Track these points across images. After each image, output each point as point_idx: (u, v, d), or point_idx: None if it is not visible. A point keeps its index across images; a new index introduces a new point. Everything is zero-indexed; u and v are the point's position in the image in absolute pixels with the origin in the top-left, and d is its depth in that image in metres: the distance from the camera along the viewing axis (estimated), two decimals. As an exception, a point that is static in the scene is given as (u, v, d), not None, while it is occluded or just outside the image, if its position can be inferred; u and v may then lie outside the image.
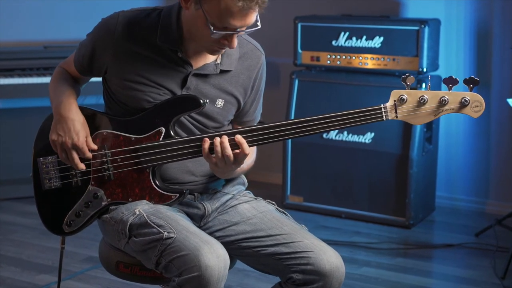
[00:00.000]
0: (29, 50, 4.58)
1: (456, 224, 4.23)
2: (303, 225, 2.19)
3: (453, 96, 2.04)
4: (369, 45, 4.13)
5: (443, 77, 4.35)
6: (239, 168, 2.10)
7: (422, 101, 2.03)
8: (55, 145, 2.16)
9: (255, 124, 2.26)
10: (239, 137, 2.04)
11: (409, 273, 3.55)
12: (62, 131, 2.14)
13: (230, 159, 2.04)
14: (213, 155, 2.05)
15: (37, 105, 4.45)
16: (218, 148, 2.03)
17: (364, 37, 4.14)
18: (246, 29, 2.03)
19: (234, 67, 2.18)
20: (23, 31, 4.72)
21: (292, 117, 4.33)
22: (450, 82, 2.04)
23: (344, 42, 4.20)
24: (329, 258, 2.04)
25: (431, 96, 2.04)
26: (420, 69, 4.00)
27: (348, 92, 4.17)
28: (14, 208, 4.41)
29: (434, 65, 4.11)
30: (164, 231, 2.01)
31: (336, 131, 4.22)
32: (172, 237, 1.99)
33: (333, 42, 4.22)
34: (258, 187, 4.82)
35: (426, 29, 3.97)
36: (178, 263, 1.96)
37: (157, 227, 2.03)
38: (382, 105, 2.04)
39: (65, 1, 4.77)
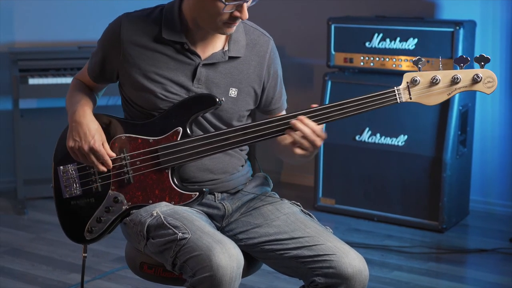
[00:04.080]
0: (63, 51, 4.62)
1: (490, 228, 4.16)
2: (328, 227, 2.17)
3: (465, 73, 2.04)
4: (403, 47, 4.09)
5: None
6: None
7: (435, 81, 2.03)
8: (74, 152, 2.17)
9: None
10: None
11: (442, 278, 3.50)
12: (78, 137, 2.15)
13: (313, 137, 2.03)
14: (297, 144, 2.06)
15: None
16: (301, 127, 2.03)
17: (398, 39, 4.10)
18: None
19: (243, 53, 2.19)
20: (57, 32, 4.77)
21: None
22: (461, 61, 2.04)
23: (378, 44, 4.16)
24: (351, 261, 2.02)
25: (443, 76, 2.04)
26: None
27: None
28: (47, 206, 4.45)
29: (469, 67, 4.05)
30: (179, 232, 2.00)
31: (369, 133, 4.20)
32: (186, 237, 1.99)
33: (367, 44, 4.19)
34: (290, 189, 4.81)
35: (461, 31, 3.92)
36: (192, 263, 1.96)
37: (172, 228, 2.02)
38: (395, 87, 2.05)
39: (100, 1, 4.81)
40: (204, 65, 2.16)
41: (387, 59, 4.14)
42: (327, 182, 4.37)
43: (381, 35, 4.15)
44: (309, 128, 2.03)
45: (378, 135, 4.19)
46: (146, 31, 2.16)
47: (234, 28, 2.11)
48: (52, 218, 4.25)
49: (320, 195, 4.38)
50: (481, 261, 3.73)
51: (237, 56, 2.19)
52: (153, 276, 2.19)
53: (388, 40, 4.13)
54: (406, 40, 4.08)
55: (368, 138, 4.22)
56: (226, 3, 2.01)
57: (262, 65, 2.23)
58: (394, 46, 4.11)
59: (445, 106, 3.99)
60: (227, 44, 2.18)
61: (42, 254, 3.75)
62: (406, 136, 4.12)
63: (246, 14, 2.06)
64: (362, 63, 4.22)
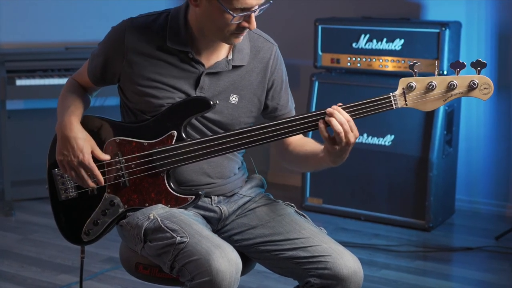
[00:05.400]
0: (50, 51, 4.62)
1: (476, 227, 4.21)
2: (322, 228, 2.19)
3: (461, 80, 2.03)
4: (390, 48, 4.13)
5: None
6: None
7: (431, 87, 2.03)
8: (62, 165, 2.17)
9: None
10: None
11: (429, 276, 3.54)
12: (66, 151, 2.15)
13: (349, 125, 2.01)
14: (332, 137, 2.02)
15: (58, 106, 4.49)
16: (335, 121, 2.01)
17: (385, 40, 4.13)
18: (260, 6, 2.04)
19: (246, 61, 2.19)
20: (44, 33, 4.76)
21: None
22: (457, 66, 2.03)
23: (365, 45, 4.19)
24: (346, 262, 2.04)
25: (439, 82, 2.03)
26: (441, 72, 3.98)
27: (368, 94, 4.09)
28: (34, 208, 4.44)
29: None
30: (177, 236, 2.00)
31: (356, 133, 4.22)
32: (185, 241, 1.99)
33: (354, 44, 4.22)
34: (278, 189, 4.83)
35: (447, 32, 3.95)
36: (190, 267, 1.96)
37: (170, 232, 2.02)
38: (391, 93, 2.05)
39: (87, 2, 4.80)
40: (208, 74, 2.15)
41: (374, 60, 4.17)
42: (315, 182, 4.39)
43: (367, 36, 4.18)
44: (344, 118, 2.02)
45: (365, 135, 4.23)
46: (150, 39, 2.14)
47: (242, 38, 2.11)
48: (40, 219, 4.25)
49: (308, 194, 4.41)
50: (467, 259, 3.77)
51: (241, 65, 2.19)
52: (148, 276, 2.20)
53: (374, 40, 4.16)
54: (392, 41, 4.12)
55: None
56: (234, 14, 2.00)
57: (265, 72, 2.22)
58: (381, 47, 4.15)
59: (431, 106, 4.03)
60: (231, 52, 2.17)
61: (30, 255, 3.74)
62: (393, 136, 4.16)
63: (254, 24, 2.05)
64: (349, 64, 4.25)
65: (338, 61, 4.28)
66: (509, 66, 4.28)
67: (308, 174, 4.39)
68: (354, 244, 3.88)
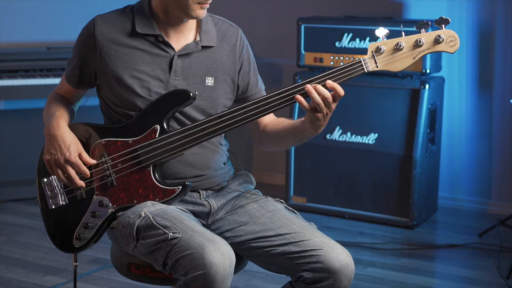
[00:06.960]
0: (32, 52, 4.60)
1: (458, 224, 4.24)
2: (312, 223, 2.21)
3: (427, 36, 2.09)
4: (372, 46, 4.14)
5: (446, 79, 4.38)
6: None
7: (399, 46, 2.08)
8: (50, 165, 2.19)
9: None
10: (329, 82, 2.06)
11: (414, 274, 3.56)
12: (54, 149, 2.17)
13: (329, 100, 2.05)
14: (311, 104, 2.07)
15: (40, 106, 4.44)
16: (315, 94, 2.05)
17: (368, 39, 4.15)
18: None
19: (215, 43, 2.25)
20: (26, 33, 4.73)
21: (296, 118, 4.33)
22: (422, 26, 2.08)
23: (348, 43, 4.21)
24: (338, 255, 2.07)
25: (406, 40, 2.09)
26: (424, 70, 4.01)
27: (352, 93, 4.18)
28: (18, 209, 4.41)
29: (437, 66, 4.13)
30: (169, 232, 2.02)
31: (340, 132, 4.24)
32: (177, 237, 2.00)
33: (337, 43, 4.24)
34: (261, 188, 4.79)
35: (430, 30, 3.97)
36: (184, 262, 1.97)
37: (162, 228, 2.04)
38: (361, 58, 2.10)
39: (68, 2, 4.78)
40: (179, 56, 2.20)
41: (357, 59, 4.18)
42: (299, 180, 4.40)
43: (350, 35, 4.19)
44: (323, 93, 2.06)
45: (348, 133, 4.24)
46: (120, 28, 2.20)
47: (205, 11, 2.16)
48: (23, 220, 4.23)
49: (292, 193, 4.42)
50: (451, 256, 3.80)
51: (210, 46, 2.24)
52: (141, 276, 2.20)
53: (357, 39, 4.18)
54: (375, 40, 4.11)
55: (339, 137, 4.27)
56: None
57: (235, 53, 2.28)
58: (364, 46, 4.16)
59: (415, 104, 4.06)
60: (198, 35, 2.23)
61: (15, 257, 3.72)
62: (376, 135, 4.18)
63: None
64: (332, 63, 4.26)
65: (321, 60, 4.29)
66: (490, 64, 4.32)
67: (292, 173, 4.40)
68: (339, 242, 3.87)
